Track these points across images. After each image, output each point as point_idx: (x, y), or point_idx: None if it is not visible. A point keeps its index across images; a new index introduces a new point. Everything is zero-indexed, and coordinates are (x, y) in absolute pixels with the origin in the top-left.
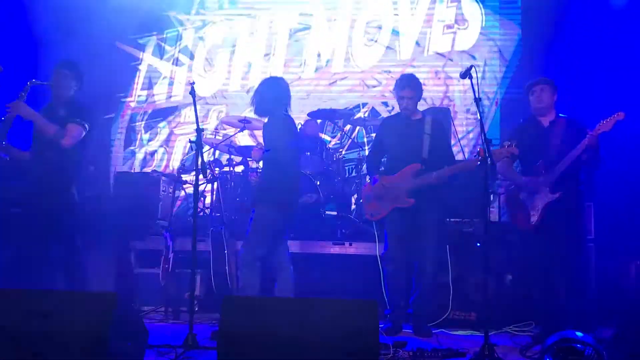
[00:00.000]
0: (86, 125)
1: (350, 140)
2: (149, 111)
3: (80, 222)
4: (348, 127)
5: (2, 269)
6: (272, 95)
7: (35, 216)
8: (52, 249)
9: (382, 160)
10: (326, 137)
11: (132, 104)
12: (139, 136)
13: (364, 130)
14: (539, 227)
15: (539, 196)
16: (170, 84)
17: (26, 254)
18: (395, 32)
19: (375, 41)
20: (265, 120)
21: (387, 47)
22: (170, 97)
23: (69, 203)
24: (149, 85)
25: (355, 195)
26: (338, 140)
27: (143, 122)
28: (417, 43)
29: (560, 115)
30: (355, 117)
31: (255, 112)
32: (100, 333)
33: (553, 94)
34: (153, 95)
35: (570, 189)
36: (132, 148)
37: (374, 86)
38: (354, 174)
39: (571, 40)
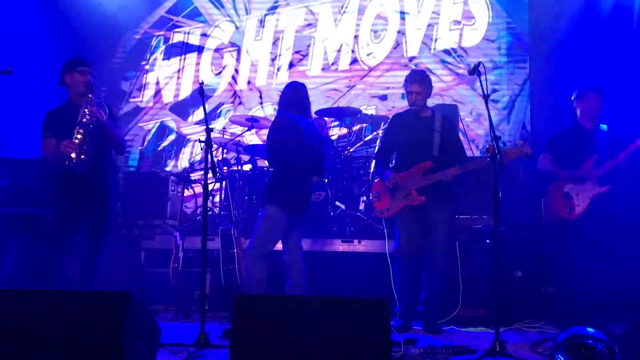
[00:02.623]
0: (119, 124)
1: (362, 142)
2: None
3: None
4: (357, 127)
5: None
6: (283, 100)
7: (74, 218)
8: (79, 250)
9: (392, 157)
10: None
11: (141, 104)
12: (147, 136)
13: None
14: (582, 219)
15: (585, 188)
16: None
17: (52, 253)
18: (401, 29)
19: (382, 38)
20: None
21: (394, 43)
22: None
23: (107, 205)
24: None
25: (364, 196)
26: (345, 137)
27: (151, 122)
28: (424, 39)
29: (600, 125)
30: (362, 115)
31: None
32: (112, 332)
33: (602, 104)
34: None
35: (616, 184)
36: (140, 148)
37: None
38: (361, 171)
39: (579, 35)
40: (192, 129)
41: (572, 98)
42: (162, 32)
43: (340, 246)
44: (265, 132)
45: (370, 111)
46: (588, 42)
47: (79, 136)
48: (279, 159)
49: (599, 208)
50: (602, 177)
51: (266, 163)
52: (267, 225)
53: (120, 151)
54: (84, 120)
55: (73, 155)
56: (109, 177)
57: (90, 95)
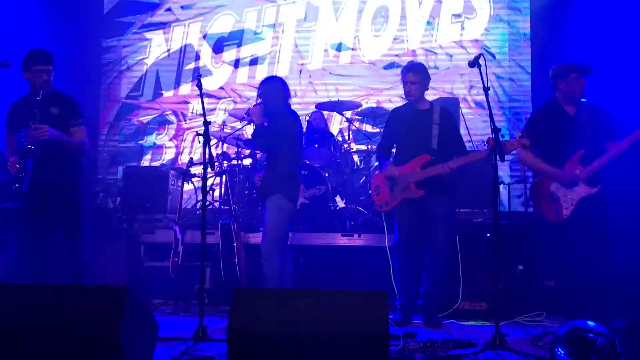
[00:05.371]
0: (84, 122)
1: (362, 135)
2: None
3: (83, 220)
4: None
5: (7, 267)
6: (280, 95)
7: (40, 214)
8: (56, 247)
9: (392, 150)
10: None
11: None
12: (147, 130)
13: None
14: (570, 220)
15: (574, 189)
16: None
17: (30, 251)
18: (402, 23)
19: (383, 32)
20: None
21: (395, 38)
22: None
23: (74, 203)
24: (157, 79)
25: (363, 178)
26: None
27: (151, 117)
28: (425, 33)
29: (582, 100)
30: (363, 109)
31: (266, 113)
32: (110, 326)
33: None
34: (161, 93)
35: (604, 182)
36: (140, 142)
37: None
38: (362, 165)
39: (580, 26)
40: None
41: (551, 75)
42: None
43: (340, 240)
44: None
45: (371, 104)
46: (590, 36)
47: (17, 165)
48: (295, 153)
49: (588, 208)
50: (592, 176)
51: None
52: (281, 217)
53: (80, 151)
54: (20, 146)
55: (15, 170)
56: (69, 180)
57: (37, 112)
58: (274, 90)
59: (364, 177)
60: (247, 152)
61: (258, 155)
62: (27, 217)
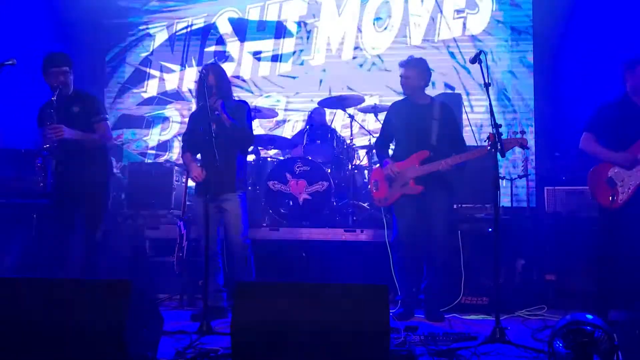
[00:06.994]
0: (107, 117)
1: (365, 131)
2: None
3: (106, 215)
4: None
5: (20, 261)
6: (229, 83)
7: (66, 208)
8: (72, 241)
9: (391, 144)
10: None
11: (144, 95)
12: (151, 127)
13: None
14: (624, 208)
15: (632, 174)
16: None
17: (47, 245)
18: (405, 18)
19: (385, 27)
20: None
21: (397, 33)
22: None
23: (99, 196)
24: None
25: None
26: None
27: (155, 112)
28: (427, 28)
29: None
30: (365, 104)
31: (223, 99)
32: (115, 320)
33: None
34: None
35: None
36: (145, 138)
37: None
38: (365, 161)
39: (583, 20)
40: None
41: (623, 70)
42: None
43: (343, 235)
44: (267, 122)
45: (374, 100)
46: (593, 33)
47: (39, 164)
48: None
49: None
50: None
51: (269, 152)
52: (247, 212)
53: (102, 147)
54: (45, 147)
55: (37, 170)
56: (94, 175)
57: (53, 112)
58: (226, 78)
59: (367, 172)
60: (251, 148)
61: (261, 152)
62: (55, 212)
